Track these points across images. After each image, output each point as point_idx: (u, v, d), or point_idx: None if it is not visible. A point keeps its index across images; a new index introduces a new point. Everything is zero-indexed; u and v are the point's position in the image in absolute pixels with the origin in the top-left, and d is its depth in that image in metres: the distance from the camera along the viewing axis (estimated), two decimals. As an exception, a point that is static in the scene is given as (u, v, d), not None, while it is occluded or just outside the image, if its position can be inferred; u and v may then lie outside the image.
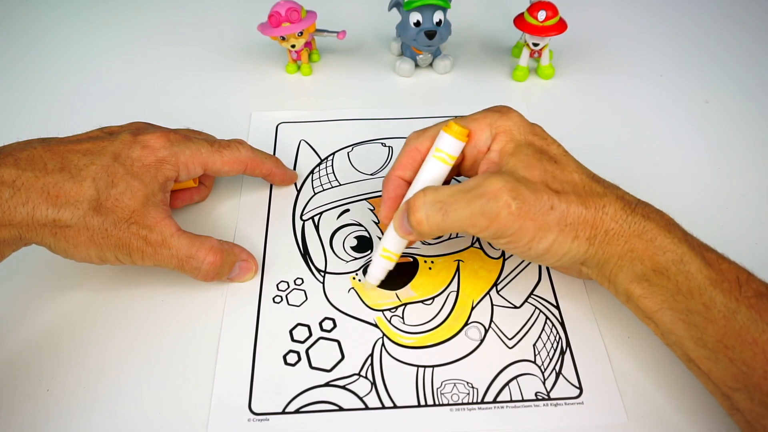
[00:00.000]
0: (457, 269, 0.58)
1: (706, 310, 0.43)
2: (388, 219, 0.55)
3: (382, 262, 0.55)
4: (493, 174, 0.47)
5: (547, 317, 0.55)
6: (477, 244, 0.60)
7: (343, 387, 0.51)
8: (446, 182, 0.53)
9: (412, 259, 0.59)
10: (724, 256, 0.46)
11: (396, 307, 0.56)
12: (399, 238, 0.52)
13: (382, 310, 0.55)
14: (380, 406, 0.49)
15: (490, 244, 0.60)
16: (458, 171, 0.56)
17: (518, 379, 0.51)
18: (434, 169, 0.51)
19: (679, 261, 0.45)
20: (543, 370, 0.51)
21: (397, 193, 0.54)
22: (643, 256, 0.46)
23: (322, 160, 0.69)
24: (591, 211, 0.47)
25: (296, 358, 0.52)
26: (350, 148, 0.71)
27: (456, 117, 0.52)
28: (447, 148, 0.51)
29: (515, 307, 0.56)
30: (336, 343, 0.53)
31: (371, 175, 0.67)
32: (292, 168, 0.68)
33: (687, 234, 0.47)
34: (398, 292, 0.57)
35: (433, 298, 0.56)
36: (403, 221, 0.50)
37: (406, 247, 0.55)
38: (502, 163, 0.50)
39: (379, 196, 0.64)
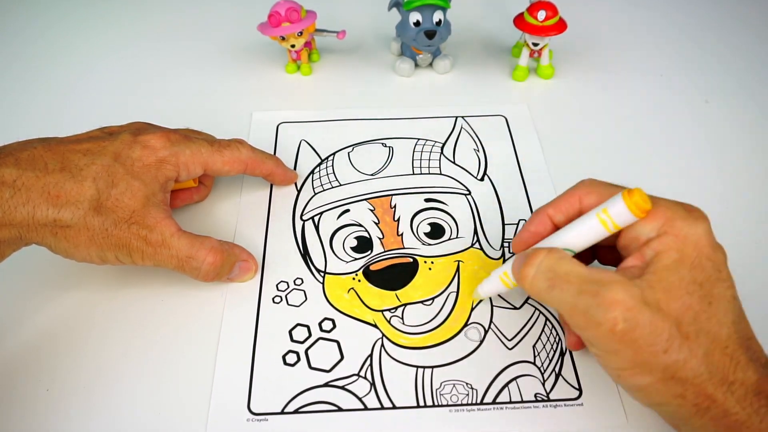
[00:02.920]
0: (457, 270, 0.58)
1: None
2: (516, 249, 0.51)
3: (499, 284, 0.51)
4: (624, 279, 0.40)
5: (546, 318, 0.55)
6: (477, 245, 0.60)
7: (343, 387, 0.51)
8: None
9: (411, 259, 0.59)
10: None
11: (396, 308, 0.56)
12: None
13: (382, 311, 0.55)
14: (379, 406, 0.49)
15: (490, 244, 0.60)
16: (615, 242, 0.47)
17: (518, 380, 0.51)
18: (589, 229, 0.44)
19: None
20: (543, 371, 0.51)
21: (539, 230, 0.49)
22: None
23: (322, 160, 0.69)
24: (714, 380, 0.39)
25: (295, 359, 0.52)
26: (350, 148, 0.71)
27: (640, 190, 0.42)
28: (615, 216, 0.43)
29: (515, 308, 0.55)
30: (335, 344, 0.53)
31: (371, 175, 0.67)
32: (292, 168, 0.68)
33: None
34: (398, 292, 0.57)
35: (432, 298, 0.56)
36: (518, 264, 0.46)
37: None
38: (651, 268, 0.41)
39: (380, 196, 0.64)
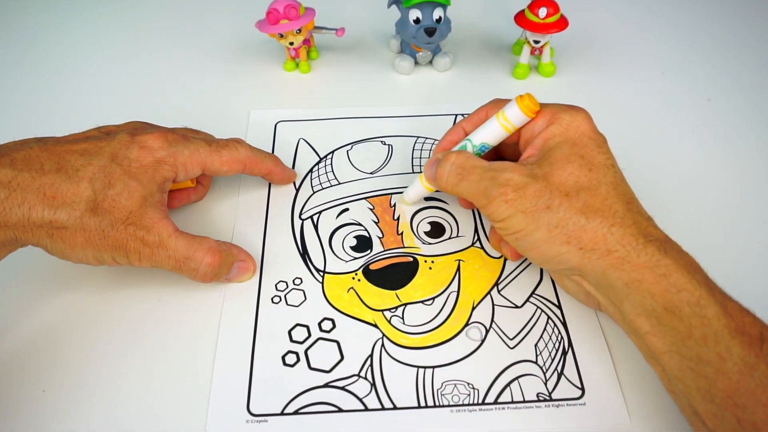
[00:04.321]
0: (458, 269, 0.58)
1: (719, 360, 0.40)
2: (441, 147, 0.59)
3: (421, 188, 0.60)
4: (516, 166, 0.50)
5: (548, 317, 0.55)
6: (477, 244, 0.60)
7: (343, 388, 0.51)
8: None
9: (412, 259, 0.59)
10: (749, 310, 0.43)
11: (396, 308, 0.56)
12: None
13: (382, 311, 0.55)
14: (380, 407, 0.50)
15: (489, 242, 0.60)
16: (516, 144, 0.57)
17: (520, 379, 0.51)
18: (492, 130, 0.55)
19: (695, 303, 0.42)
20: (545, 370, 0.51)
21: (453, 138, 0.59)
22: (653, 290, 0.43)
23: (321, 159, 0.69)
24: (592, 224, 0.46)
25: (295, 359, 0.52)
26: (349, 146, 0.71)
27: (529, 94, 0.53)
28: (511, 116, 0.53)
29: (516, 307, 0.56)
30: (335, 344, 0.53)
31: (371, 173, 0.67)
32: (290, 167, 0.68)
33: (710, 280, 0.44)
34: (398, 292, 0.57)
35: (433, 298, 0.56)
36: (431, 168, 0.56)
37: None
38: (541, 153, 0.51)
39: (379, 195, 0.64)
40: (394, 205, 0.63)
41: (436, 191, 0.62)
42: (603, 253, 0.46)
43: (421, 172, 0.65)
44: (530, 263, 0.59)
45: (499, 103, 0.57)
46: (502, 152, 0.60)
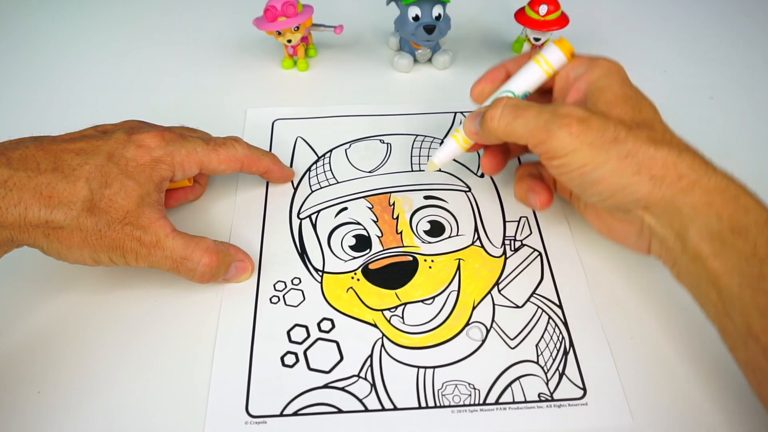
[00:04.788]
0: (458, 268, 0.58)
1: None
2: (478, 96, 0.60)
3: (453, 144, 0.59)
4: (572, 104, 0.52)
5: (549, 317, 0.55)
6: (478, 243, 0.60)
7: (343, 389, 0.51)
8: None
9: (411, 258, 0.59)
10: None
11: (396, 307, 0.56)
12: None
13: (382, 310, 0.56)
14: (380, 407, 0.50)
15: (491, 242, 0.60)
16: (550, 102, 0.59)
17: (521, 380, 0.51)
18: (531, 71, 0.56)
19: (763, 223, 0.44)
20: (546, 370, 0.51)
21: (495, 76, 0.60)
22: (722, 212, 0.45)
23: (319, 158, 0.69)
24: (662, 152, 0.47)
25: (294, 360, 0.52)
26: (348, 145, 0.71)
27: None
28: (549, 57, 0.56)
29: (517, 306, 0.56)
30: (335, 344, 0.53)
31: (369, 172, 0.67)
32: (288, 166, 0.68)
33: None
34: (398, 291, 0.57)
35: (433, 297, 0.56)
36: (474, 121, 0.56)
37: (468, 149, 0.60)
38: (588, 94, 0.53)
39: (378, 193, 0.64)
40: (394, 204, 0.63)
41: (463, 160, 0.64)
42: (674, 179, 0.47)
43: (421, 170, 0.65)
44: (530, 263, 0.59)
45: (533, 53, 0.59)
46: None
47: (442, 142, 0.68)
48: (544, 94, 0.59)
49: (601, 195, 0.50)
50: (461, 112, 0.74)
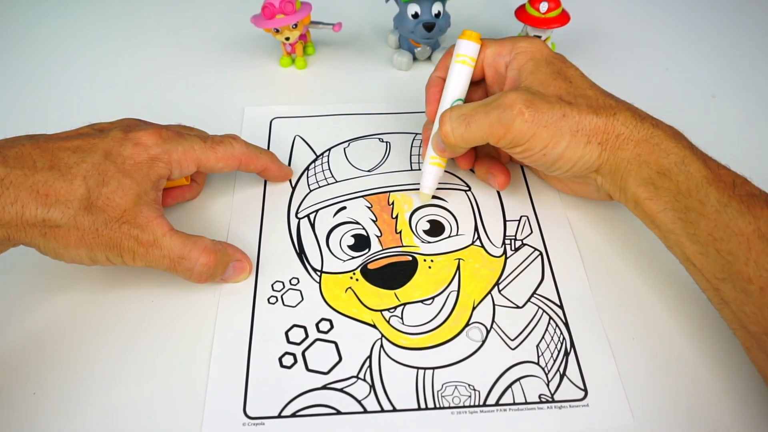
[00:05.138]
0: (458, 268, 0.58)
1: (701, 206, 0.48)
2: (432, 115, 0.62)
3: (432, 168, 0.61)
4: (510, 90, 0.55)
5: (550, 317, 0.55)
6: (478, 243, 0.60)
7: (341, 390, 0.51)
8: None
9: (411, 258, 0.59)
10: (725, 165, 0.51)
11: (395, 307, 0.56)
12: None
13: (381, 311, 0.56)
14: (379, 409, 0.50)
15: (491, 242, 0.60)
16: (486, 93, 0.65)
17: (521, 381, 0.51)
18: (458, 72, 0.60)
19: (681, 162, 0.50)
20: (547, 371, 0.52)
21: (437, 90, 0.62)
22: (649, 159, 0.51)
23: (317, 156, 0.69)
24: (602, 119, 0.52)
25: (292, 361, 0.53)
26: (346, 143, 0.71)
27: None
28: (464, 51, 0.60)
29: (518, 306, 0.56)
30: (333, 345, 0.54)
31: (368, 171, 0.67)
32: (286, 164, 0.68)
33: (692, 143, 0.52)
34: (397, 291, 0.57)
35: (433, 297, 0.56)
36: (437, 138, 0.59)
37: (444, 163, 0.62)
38: (521, 79, 0.57)
39: (377, 192, 0.64)
40: (393, 203, 0.63)
41: (446, 173, 0.65)
42: (613, 140, 0.53)
43: (420, 169, 0.65)
44: (531, 263, 0.59)
45: (452, 49, 0.62)
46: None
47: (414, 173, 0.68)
48: (477, 85, 0.64)
49: (562, 169, 0.55)
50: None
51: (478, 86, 0.64)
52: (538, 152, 0.54)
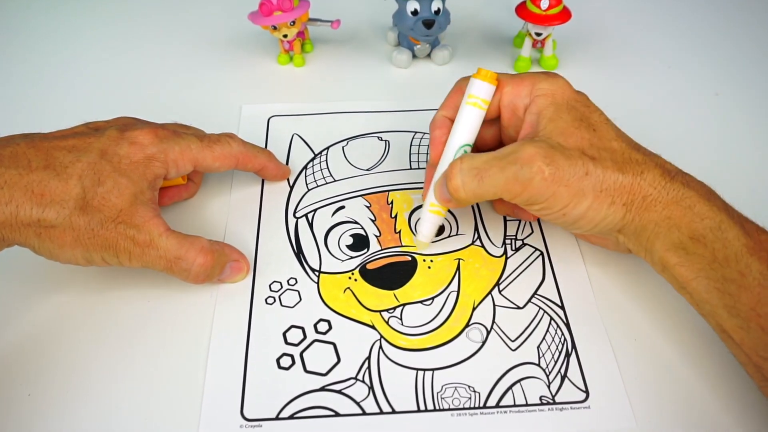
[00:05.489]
0: (458, 268, 0.58)
1: (741, 277, 0.45)
2: (436, 159, 0.58)
3: (432, 217, 0.57)
4: (528, 141, 0.51)
5: (551, 318, 0.55)
6: (478, 242, 0.60)
7: (340, 391, 0.51)
8: (490, 148, 0.55)
9: (410, 258, 0.59)
10: (764, 228, 0.48)
11: (394, 308, 0.56)
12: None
13: (380, 311, 0.56)
14: (378, 411, 0.50)
15: (491, 241, 0.60)
16: (500, 139, 0.60)
17: (522, 382, 0.51)
18: (469, 115, 0.55)
19: (716, 228, 0.47)
20: (548, 373, 0.52)
21: (444, 131, 0.58)
22: (680, 223, 0.48)
23: (315, 155, 0.69)
24: (628, 177, 0.49)
25: (290, 362, 0.53)
26: (345, 142, 0.71)
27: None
28: (477, 92, 0.55)
29: (518, 307, 0.56)
30: (331, 346, 0.54)
31: (367, 170, 0.67)
32: (284, 163, 0.68)
33: (727, 204, 0.49)
34: (396, 292, 0.57)
35: (432, 298, 0.56)
36: (443, 189, 0.54)
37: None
38: (540, 126, 0.52)
39: (376, 191, 0.64)
40: (392, 203, 0.63)
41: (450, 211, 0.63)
42: (640, 201, 0.49)
43: (420, 168, 0.65)
44: (531, 263, 0.59)
45: (462, 84, 0.58)
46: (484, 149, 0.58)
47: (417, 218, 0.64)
48: (490, 123, 0.58)
49: (583, 228, 0.52)
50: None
51: (491, 124, 0.59)
52: (557, 211, 0.50)
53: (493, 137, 0.60)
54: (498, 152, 0.51)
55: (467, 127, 0.56)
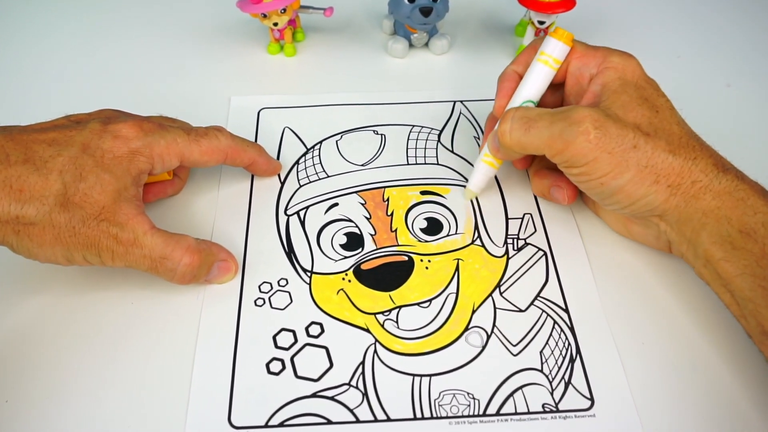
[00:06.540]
0: (457, 269, 0.58)
1: None
2: (500, 111, 0.60)
3: (483, 167, 0.61)
4: (586, 106, 0.52)
5: (555, 321, 0.55)
6: (478, 242, 0.60)
7: (332, 398, 0.51)
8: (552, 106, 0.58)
9: (406, 258, 0.59)
10: None
11: (390, 311, 0.56)
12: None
13: (375, 314, 0.56)
14: (372, 419, 0.50)
15: (492, 241, 0.60)
16: (562, 100, 0.62)
17: (524, 389, 0.51)
18: (539, 72, 0.58)
19: None
20: (551, 379, 0.52)
21: (511, 85, 0.60)
22: (731, 215, 0.48)
23: (308, 150, 0.69)
24: (679, 160, 0.50)
25: (280, 367, 0.52)
26: (339, 136, 0.71)
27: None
28: (550, 51, 0.57)
29: (520, 310, 0.56)
30: (324, 350, 0.53)
31: (362, 165, 0.67)
32: (275, 158, 0.68)
33: None
34: (392, 293, 0.57)
35: (430, 300, 0.56)
36: (494, 136, 0.57)
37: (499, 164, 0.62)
38: (603, 97, 0.54)
39: (371, 188, 0.64)
40: (388, 200, 0.63)
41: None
42: (688, 186, 0.50)
43: (418, 163, 0.65)
44: (534, 263, 0.59)
45: (536, 43, 0.60)
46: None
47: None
48: (555, 88, 0.61)
49: (620, 204, 0.53)
50: (461, 101, 0.74)
51: (556, 90, 0.61)
52: (596, 179, 0.52)
53: (555, 103, 0.62)
54: (554, 110, 0.53)
55: (535, 83, 0.58)
